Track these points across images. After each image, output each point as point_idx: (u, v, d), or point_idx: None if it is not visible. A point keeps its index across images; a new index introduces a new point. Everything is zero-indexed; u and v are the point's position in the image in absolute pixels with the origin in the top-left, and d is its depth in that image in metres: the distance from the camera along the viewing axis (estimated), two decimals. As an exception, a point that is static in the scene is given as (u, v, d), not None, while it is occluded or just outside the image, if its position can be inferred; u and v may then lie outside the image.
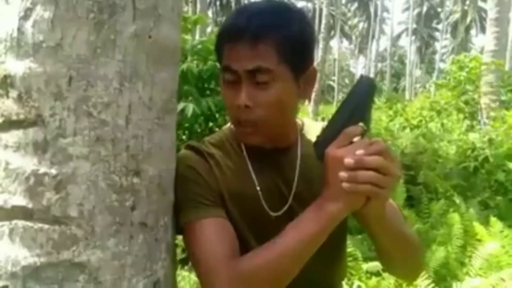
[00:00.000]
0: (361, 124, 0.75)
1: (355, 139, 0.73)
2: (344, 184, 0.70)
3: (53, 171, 0.67)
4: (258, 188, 0.86)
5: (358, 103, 0.75)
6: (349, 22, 43.43)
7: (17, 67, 0.67)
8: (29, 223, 0.67)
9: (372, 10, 37.04)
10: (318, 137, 0.77)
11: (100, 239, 0.69)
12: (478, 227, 3.09)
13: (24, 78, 0.66)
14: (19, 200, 0.67)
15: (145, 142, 0.73)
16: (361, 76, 0.78)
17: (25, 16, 0.66)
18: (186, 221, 0.81)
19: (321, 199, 0.74)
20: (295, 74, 0.81)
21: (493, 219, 3.23)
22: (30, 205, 0.67)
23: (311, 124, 0.97)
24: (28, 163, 0.67)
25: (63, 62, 0.66)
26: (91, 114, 0.67)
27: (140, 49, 0.71)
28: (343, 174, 0.70)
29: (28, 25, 0.66)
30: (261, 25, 0.77)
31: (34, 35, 0.66)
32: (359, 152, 0.70)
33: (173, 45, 0.77)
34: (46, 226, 0.67)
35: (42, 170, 0.67)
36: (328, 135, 0.75)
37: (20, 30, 0.66)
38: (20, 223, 0.67)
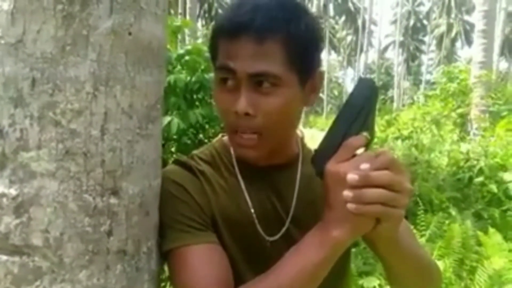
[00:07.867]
0: (364, 133, 0.66)
1: (358, 151, 0.65)
2: (349, 205, 0.61)
3: (13, 191, 0.60)
4: (252, 210, 0.78)
5: (359, 109, 0.66)
6: (338, 35, 43.97)
7: (-31, 67, 0.59)
8: (-17, 254, 0.59)
9: (360, 23, 37.57)
10: (316, 151, 0.69)
11: (69, 271, 0.61)
12: (483, 238, 3.06)
13: (-22, 80, 0.59)
14: (-29, 226, 0.59)
15: (124, 156, 0.65)
16: (360, 78, 0.69)
17: (-20, 7, 0.59)
18: (171, 247, 0.73)
19: (324, 223, 0.67)
20: (302, 78, 0.73)
21: (491, 231, 3.22)
22: (-16, 232, 0.59)
23: (312, 135, 0.88)
24: (-18, 182, 0.59)
25: (25, 62, 0.59)
26: (59, 123, 0.60)
27: (118, 48, 0.63)
28: (347, 193, 0.61)
29: (-17, 18, 0.59)
30: (269, 19, 0.68)
31: (-10, 30, 0.58)
32: (364, 166, 0.61)
33: (157, 44, 0.70)
34: (4, 258, 0.60)
35: (0, 190, 0.60)
36: (327, 148, 0.67)
37: (-27, 23, 0.59)
38: (-27, 253, 0.60)
